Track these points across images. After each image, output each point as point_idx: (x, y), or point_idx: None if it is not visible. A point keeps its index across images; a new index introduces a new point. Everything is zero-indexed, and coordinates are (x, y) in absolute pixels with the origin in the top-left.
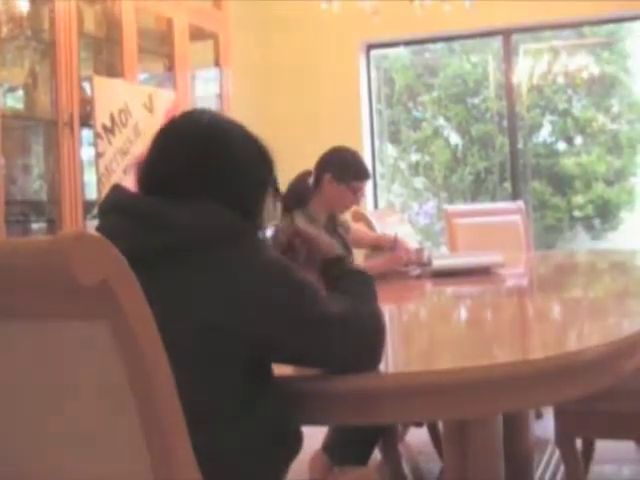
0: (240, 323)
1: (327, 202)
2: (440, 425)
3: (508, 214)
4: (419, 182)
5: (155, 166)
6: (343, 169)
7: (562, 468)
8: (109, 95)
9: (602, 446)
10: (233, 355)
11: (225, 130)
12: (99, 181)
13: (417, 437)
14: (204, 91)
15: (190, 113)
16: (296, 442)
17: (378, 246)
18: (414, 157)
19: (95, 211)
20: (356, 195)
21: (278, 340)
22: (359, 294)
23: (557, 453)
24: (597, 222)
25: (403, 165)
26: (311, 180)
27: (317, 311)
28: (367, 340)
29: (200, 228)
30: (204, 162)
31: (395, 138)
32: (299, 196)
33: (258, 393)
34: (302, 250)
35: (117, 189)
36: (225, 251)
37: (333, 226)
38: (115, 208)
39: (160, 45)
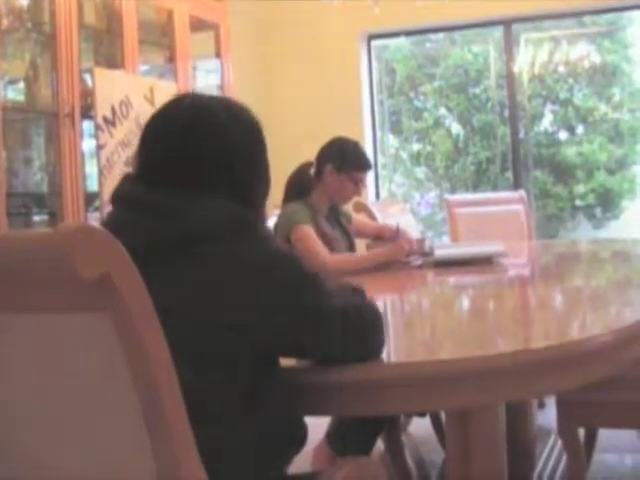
0: (243, 317)
1: (328, 193)
2: (443, 415)
3: (510, 203)
4: (421, 172)
5: (150, 158)
6: (344, 160)
7: (564, 458)
8: (110, 87)
9: (604, 435)
10: (237, 351)
11: (215, 115)
12: (100, 173)
13: (420, 427)
14: (205, 82)
15: (174, 101)
16: (300, 438)
17: (380, 236)
18: (415, 147)
19: (97, 203)
20: (357, 186)
21: (280, 331)
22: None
23: (559, 443)
24: (599, 211)
25: (404, 155)
26: (312, 171)
27: (323, 303)
28: (369, 332)
29: (203, 222)
30: (198, 152)
31: (396, 128)
32: (301, 187)
33: (263, 390)
34: None
35: (127, 179)
36: (229, 245)
37: (335, 216)
38: (123, 199)
39: (161, 36)
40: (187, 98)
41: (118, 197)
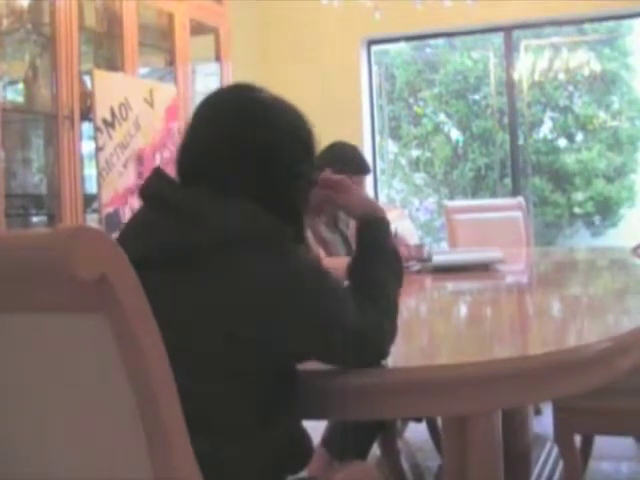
0: (258, 330)
1: None
2: (439, 421)
3: (508, 210)
4: (419, 178)
5: (190, 150)
6: (344, 163)
7: (561, 464)
8: (109, 89)
9: (601, 443)
10: (251, 364)
11: (270, 116)
12: (99, 175)
13: (416, 433)
14: (204, 86)
15: (235, 88)
16: (302, 455)
17: None
18: (415, 153)
19: (95, 205)
20: None
21: (281, 342)
22: (383, 295)
23: (556, 449)
24: (597, 219)
25: (404, 161)
26: None
27: (339, 322)
28: (376, 353)
29: (226, 229)
30: (240, 149)
31: (396, 134)
32: None
33: (268, 403)
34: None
35: (157, 174)
36: (250, 255)
37: (334, 221)
38: (152, 197)
39: (161, 39)
40: (239, 91)
41: (150, 193)
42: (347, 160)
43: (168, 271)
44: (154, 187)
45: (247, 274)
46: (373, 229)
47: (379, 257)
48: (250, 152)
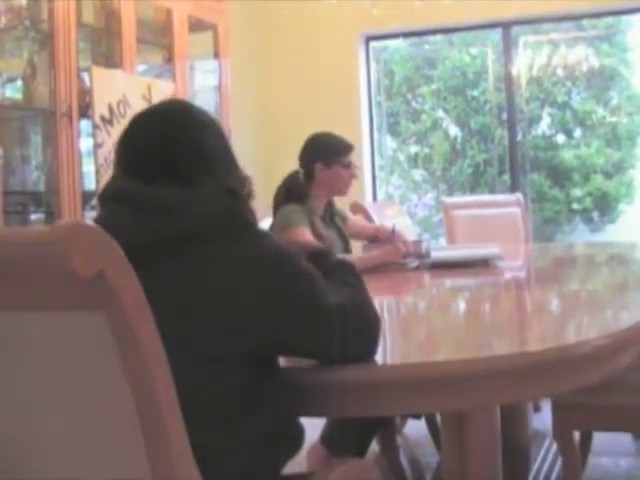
0: (242, 315)
1: (327, 189)
2: (438, 417)
3: (507, 206)
4: (418, 174)
5: (139, 153)
6: (328, 152)
7: (560, 460)
8: (108, 86)
9: (599, 439)
10: (235, 351)
11: (202, 111)
12: (97, 172)
13: (415, 429)
14: (203, 82)
15: (162, 103)
16: (296, 441)
17: (376, 238)
18: (413, 149)
19: (94, 202)
20: (350, 169)
21: (280, 330)
22: (352, 285)
23: (555, 446)
24: (596, 215)
25: (402, 157)
26: (301, 177)
27: (320, 301)
28: (366, 330)
29: (203, 219)
30: (178, 147)
31: (394, 130)
32: (296, 195)
33: (261, 391)
34: None
35: (118, 177)
36: (228, 243)
37: (330, 216)
38: (118, 196)
39: (159, 36)
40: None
41: (113, 193)
42: (330, 147)
43: (150, 265)
44: (122, 187)
45: (229, 262)
46: (319, 258)
47: (335, 271)
48: (184, 147)
